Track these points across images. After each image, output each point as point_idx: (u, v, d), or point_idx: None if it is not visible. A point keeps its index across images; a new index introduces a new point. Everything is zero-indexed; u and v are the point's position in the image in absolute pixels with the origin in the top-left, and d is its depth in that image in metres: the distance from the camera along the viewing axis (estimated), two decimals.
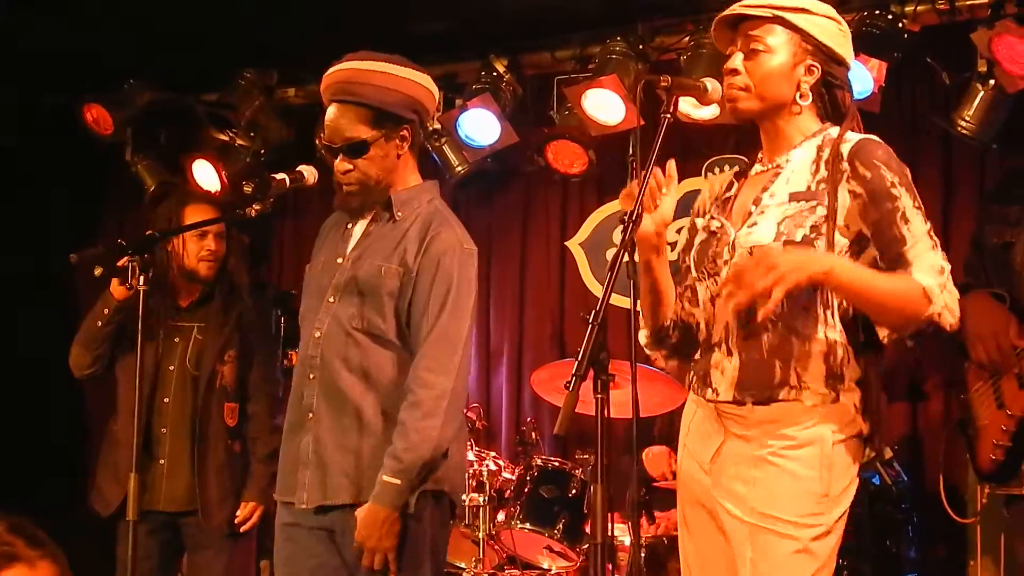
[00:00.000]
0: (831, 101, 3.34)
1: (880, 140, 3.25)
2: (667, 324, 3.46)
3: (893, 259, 3.16)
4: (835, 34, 3.32)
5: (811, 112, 3.34)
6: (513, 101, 6.80)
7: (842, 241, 3.20)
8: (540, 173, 6.96)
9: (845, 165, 3.20)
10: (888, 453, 5.59)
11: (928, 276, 3.11)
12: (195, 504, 4.99)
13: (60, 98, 7.27)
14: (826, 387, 3.21)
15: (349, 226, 4.07)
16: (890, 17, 5.81)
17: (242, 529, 5.04)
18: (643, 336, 3.54)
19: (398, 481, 3.76)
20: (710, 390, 3.32)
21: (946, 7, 5.88)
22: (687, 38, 6.23)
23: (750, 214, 3.31)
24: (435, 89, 4.09)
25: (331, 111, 3.95)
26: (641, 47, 6.44)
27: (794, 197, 3.24)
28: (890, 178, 3.17)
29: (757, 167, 3.42)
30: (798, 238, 3.18)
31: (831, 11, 3.36)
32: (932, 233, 3.18)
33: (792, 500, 3.20)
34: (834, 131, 3.31)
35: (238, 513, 5.04)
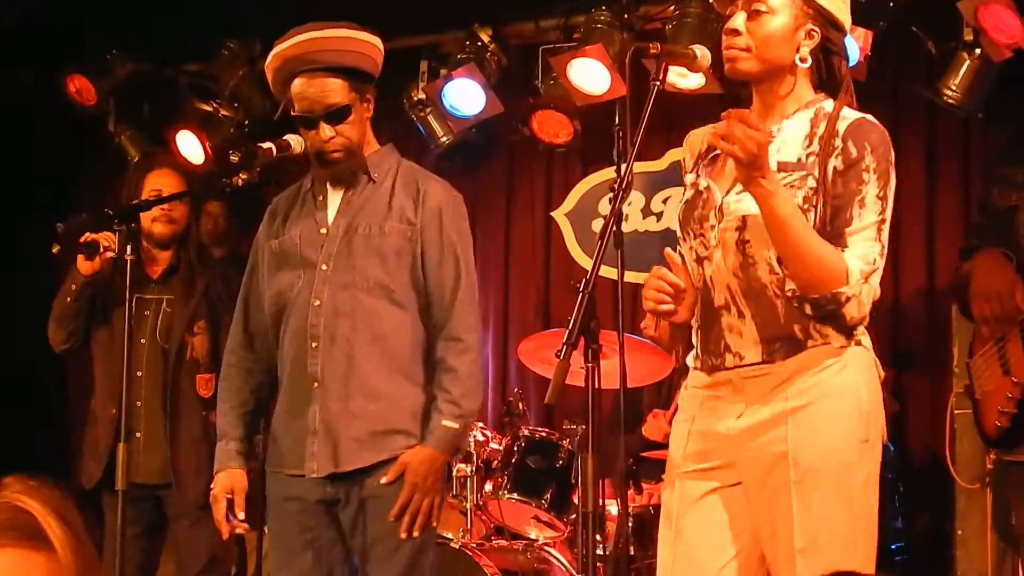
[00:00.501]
0: (827, 68, 3.31)
1: (876, 121, 3.23)
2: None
3: (834, 234, 3.15)
4: (837, 0, 3.30)
5: (806, 79, 3.30)
6: (498, 71, 6.79)
7: (829, 216, 3.18)
8: (525, 143, 6.96)
9: (838, 142, 3.18)
10: None
11: (857, 262, 3.11)
12: (170, 477, 4.97)
13: (40, 69, 7.21)
14: (845, 335, 3.18)
15: (320, 197, 4.05)
16: None
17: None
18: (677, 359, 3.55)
19: (457, 426, 3.85)
20: (730, 355, 3.26)
21: None
22: (672, 7, 6.22)
23: (736, 180, 3.29)
24: (382, 49, 4.05)
25: (301, 82, 3.91)
26: (626, 16, 6.45)
27: (782, 167, 3.20)
28: (868, 161, 3.15)
29: None
30: None
31: None
32: (882, 228, 3.17)
33: (835, 449, 3.14)
34: (828, 104, 3.27)
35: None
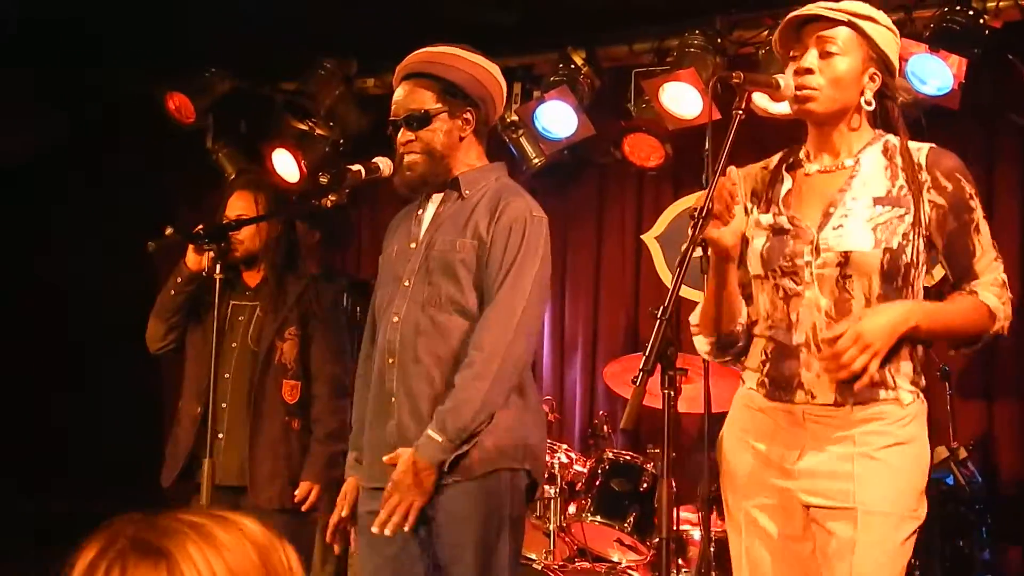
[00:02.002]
0: (882, 111, 3.38)
1: (949, 151, 3.33)
2: (737, 329, 3.45)
3: (963, 269, 3.29)
4: (893, 46, 3.38)
5: (866, 120, 3.38)
6: (590, 93, 6.81)
7: (919, 245, 3.26)
8: (616, 166, 6.97)
9: (925, 175, 3.26)
10: (963, 453, 5.55)
11: (992, 293, 3.26)
12: (246, 479, 5.05)
13: (141, 85, 7.34)
14: (913, 385, 3.26)
15: (419, 212, 4.10)
16: (971, 13, 5.78)
17: (303, 508, 5.07)
18: (704, 343, 3.51)
19: (440, 438, 3.78)
20: (802, 393, 3.28)
21: None
22: (765, 32, 6.21)
23: (828, 215, 3.30)
24: (503, 81, 4.13)
25: (397, 90, 4.06)
26: (719, 41, 6.45)
27: (878, 201, 3.27)
28: (968, 190, 3.27)
29: (814, 166, 3.40)
30: (894, 245, 3.21)
31: (891, 22, 3.40)
32: (995, 245, 3.31)
33: (899, 496, 3.22)
34: (893, 138, 3.36)
35: (296, 492, 5.08)
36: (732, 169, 3.23)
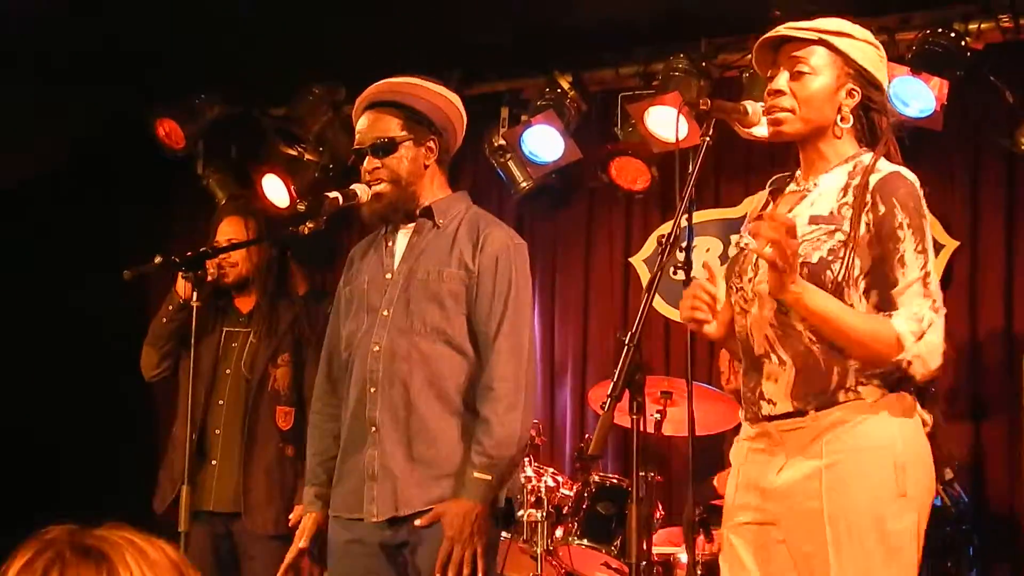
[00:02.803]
0: (868, 124, 3.34)
1: (908, 174, 3.24)
2: None
3: (883, 300, 3.19)
4: (874, 59, 3.34)
5: (850, 135, 3.34)
6: (577, 117, 6.84)
7: (858, 266, 3.21)
8: (604, 189, 6.99)
9: (869, 197, 3.21)
10: (948, 473, 5.55)
11: (906, 323, 3.13)
12: (241, 505, 5.06)
13: (130, 110, 7.38)
14: (882, 381, 3.20)
15: (389, 244, 4.11)
16: (953, 35, 5.81)
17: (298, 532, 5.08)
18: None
19: (489, 477, 3.81)
20: (765, 403, 3.29)
21: (1010, 25, 5.88)
22: (750, 55, 6.19)
23: None
24: (463, 111, 4.14)
25: (361, 118, 4.09)
26: (704, 64, 6.47)
27: (813, 220, 3.26)
28: (900, 218, 3.18)
29: (792, 186, 3.43)
30: (814, 260, 3.19)
31: (870, 36, 3.38)
32: (927, 282, 3.18)
33: (869, 505, 3.16)
34: (867, 157, 3.30)
35: (291, 516, 5.09)
36: (709, 269, 3.29)
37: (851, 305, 3.18)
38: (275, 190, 7.29)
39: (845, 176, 3.29)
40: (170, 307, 5.15)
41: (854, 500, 3.16)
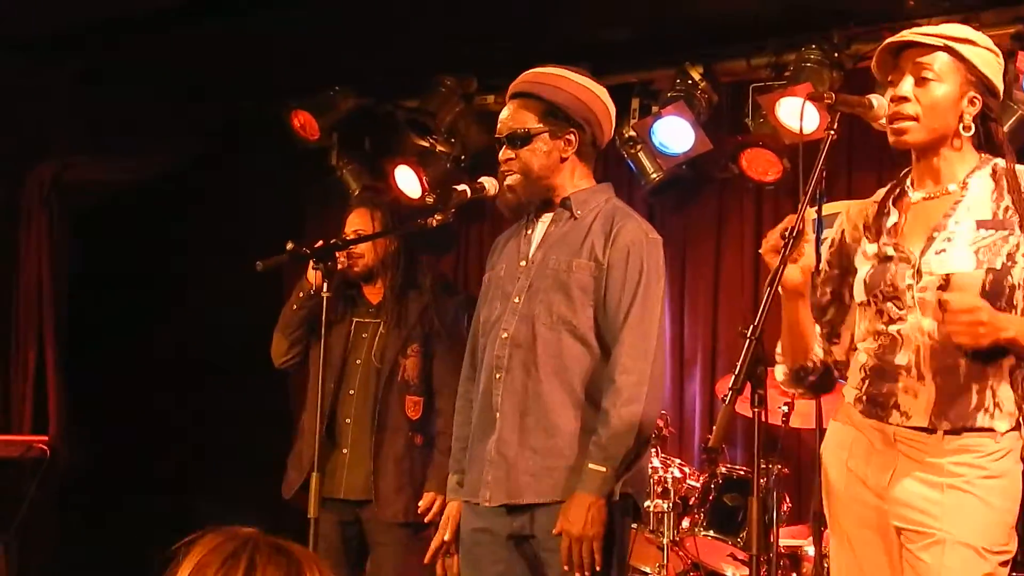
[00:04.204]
0: (985, 133, 3.35)
1: None
2: (809, 365, 3.47)
3: None
4: (995, 66, 3.33)
5: (969, 144, 3.34)
6: (708, 108, 6.81)
7: None
8: (734, 180, 6.96)
9: None
10: None
11: None
12: (371, 493, 5.14)
13: (264, 105, 7.51)
14: (1016, 408, 3.23)
15: (528, 232, 4.15)
16: None
17: (426, 519, 5.15)
18: (781, 373, 3.55)
19: (604, 468, 3.82)
20: (897, 414, 3.28)
21: None
22: None
23: (931, 239, 3.29)
24: (610, 103, 4.15)
25: (505, 109, 4.14)
26: (836, 55, 6.40)
27: (982, 225, 3.25)
28: None
29: (919, 193, 3.39)
30: (997, 265, 3.20)
31: (991, 43, 3.36)
32: None
33: (987, 529, 3.19)
34: (1001, 162, 3.31)
35: (420, 504, 5.17)
36: (808, 210, 3.25)
37: (1015, 307, 3.21)
38: (407, 181, 7.36)
39: (989, 180, 3.29)
40: (300, 294, 5.27)
41: (973, 523, 3.19)
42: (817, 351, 3.46)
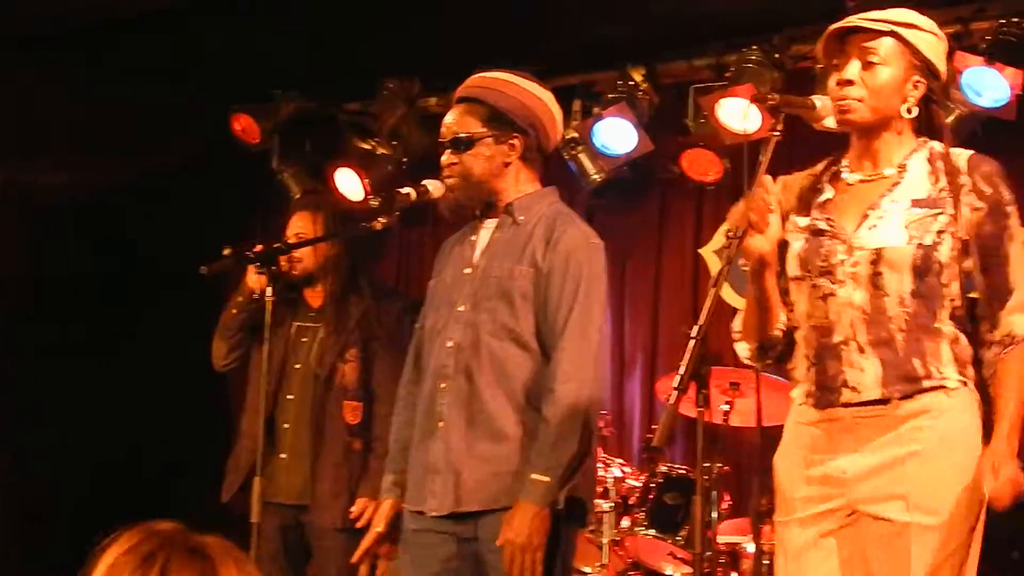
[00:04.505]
0: (927, 116, 3.41)
1: (990, 158, 3.36)
2: (775, 334, 3.48)
3: (996, 282, 3.29)
4: (939, 51, 3.40)
5: (909, 126, 3.40)
6: (649, 110, 6.84)
7: (956, 246, 3.28)
8: (675, 181, 6.99)
9: (965, 178, 3.30)
10: None
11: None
12: (309, 498, 5.13)
13: (213, 107, 7.49)
14: (959, 373, 3.27)
15: (472, 238, 4.15)
16: None
17: (357, 525, 5.15)
18: (745, 349, 3.55)
19: (547, 478, 3.79)
20: (848, 391, 3.31)
21: None
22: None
23: (865, 217, 3.35)
24: (557, 109, 4.15)
25: (450, 113, 4.13)
26: (777, 56, 6.45)
27: (917, 203, 3.31)
28: (1007, 196, 3.31)
29: (858, 175, 3.44)
30: (927, 241, 3.25)
31: (936, 27, 3.42)
32: None
33: (954, 492, 3.21)
34: (938, 145, 3.39)
35: (352, 509, 5.16)
36: (767, 179, 3.29)
37: (944, 285, 3.27)
38: (349, 184, 7.36)
39: (926, 162, 3.36)
40: (239, 298, 5.24)
41: (936, 490, 3.22)
42: (782, 317, 3.47)
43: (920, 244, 3.25)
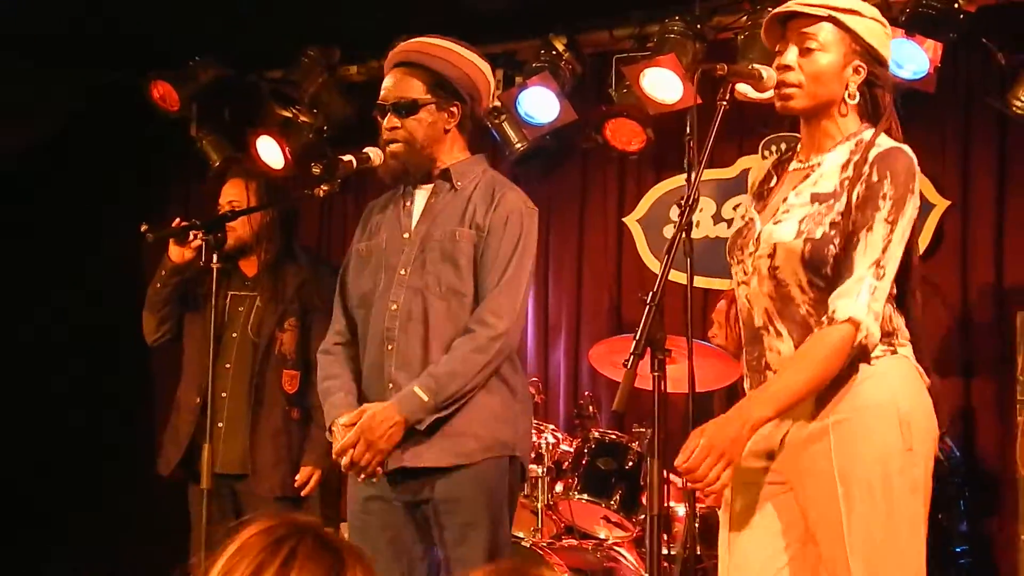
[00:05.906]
0: (872, 100, 3.43)
1: (907, 150, 3.33)
2: None
3: (845, 265, 3.27)
4: (881, 36, 3.42)
5: (854, 112, 3.42)
6: (572, 79, 6.87)
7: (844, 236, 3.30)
8: (598, 150, 7.02)
9: (866, 169, 3.29)
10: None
11: (853, 300, 3.22)
12: (248, 467, 5.13)
13: (124, 77, 7.41)
14: (883, 344, 3.30)
15: (407, 204, 4.18)
16: None
17: (303, 493, 5.16)
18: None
19: (426, 398, 3.89)
20: (771, 373, 3.37)
21: None
22: (744, 18, 6.28)
23: (776, 210, 3.42)
24: (491, 77, 4.23)
25: (389, 76, 4.15)
26: (699, 27, 6.51)
27: (815, 198, 3.35)
28: (886, 190, 3.26)
29: (795, 163, 3.50)
30: (817, 235, 3.29)
31: (877, 14, 3.45)
32: (887, 249, 3.26)
33: (879, 459, 3.25)
34: (868, 134, 3.38)
35: (297, 477, 5.17)
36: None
37: (840, 275, 3.27)
38: (269, 152, 7.31)
39: (847, 153, 3.37)
40: (163, 272, 5.20)
41: (862, 456, 3.26)
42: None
43: (809, 238, 3.28)
